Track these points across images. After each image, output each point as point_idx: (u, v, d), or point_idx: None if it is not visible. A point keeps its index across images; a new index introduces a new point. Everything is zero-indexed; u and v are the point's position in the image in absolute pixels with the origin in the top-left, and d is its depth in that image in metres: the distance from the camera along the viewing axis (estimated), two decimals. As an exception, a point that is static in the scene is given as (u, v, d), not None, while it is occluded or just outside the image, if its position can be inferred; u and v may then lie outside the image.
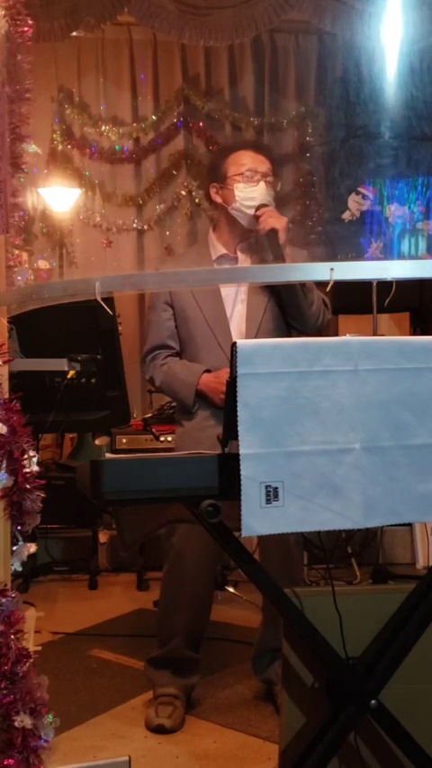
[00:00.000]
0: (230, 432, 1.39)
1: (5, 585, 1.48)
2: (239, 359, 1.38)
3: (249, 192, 2.62)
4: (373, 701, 1.56)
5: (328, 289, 1.37)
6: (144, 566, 4.08)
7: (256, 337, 2.57)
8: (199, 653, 2.65)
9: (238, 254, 2.71)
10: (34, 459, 1.50)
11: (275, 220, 2.57)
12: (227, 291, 2.67)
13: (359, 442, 1.40)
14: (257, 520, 1.36)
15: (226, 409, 1.45)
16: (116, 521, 2.03)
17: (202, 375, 2.61)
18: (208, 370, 2.62)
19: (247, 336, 2.61)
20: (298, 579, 2.76)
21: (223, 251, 2.71)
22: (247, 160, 2.67)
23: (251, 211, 2.62)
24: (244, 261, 2.71)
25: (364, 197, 4.65)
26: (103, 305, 1.40)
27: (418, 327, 4.75)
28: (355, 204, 4.62)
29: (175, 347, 2.74)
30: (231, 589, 3.79)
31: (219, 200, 2.71)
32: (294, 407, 1.39)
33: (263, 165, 2.67)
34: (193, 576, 2.58)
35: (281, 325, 2.70)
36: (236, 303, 2.68)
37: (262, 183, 2.63)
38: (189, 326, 2.69)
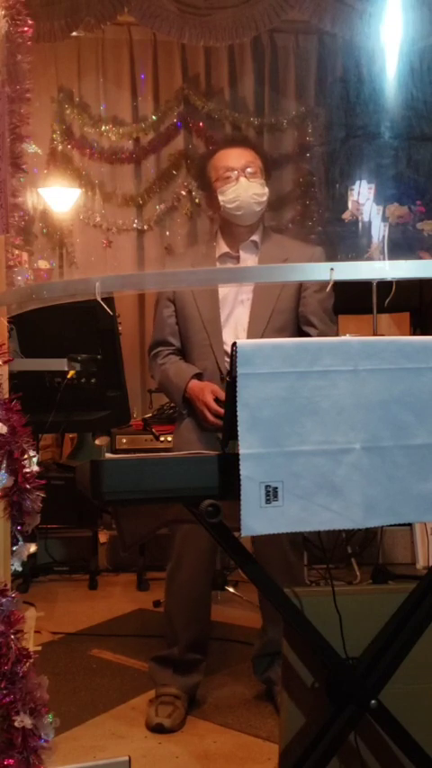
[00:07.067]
0: (230, 431, 1.39)
1: (5, 585, 1.48)
2: (239, 359, 1.37)
3: (230, 193, 2.57)
4: (373, 701, 1.56)
5: (328, 289, 1.37)
6: (144, 566, 4.09)
7: (263, 336, 2.52)
8: (205, 654, 2.65)
9: (240, 252, 2.67)
10: (34, 459, 1.50)
11: (201, 402, 2.52)
12: (225, 293, 2.62)
13: (359, 442, 1.40)
14: (257, 520, 1.35)
15: (226, 409, 1.45)
16: (116, 521, 2.03)
17: (190, 381, 2.58)
18: (200, 374, 2.60)
19: (253, 335, 2.55)
20: (297, 583, 2.74)
21: (226, 249, 2.68)
22: (221, 160, 2.62)
23: (239, 212, 2.57)
24: (246, 259, 2.66)
25: (364, 197, 4.64)
26: (103, 305, 1.40)
27: (418, 327, 4.73)
28: (356, 204, 4.61)
29: (176, 344, 2.72)
30: (231, 589, 3.79)
31: (210, 208, 2.72)
32: (294, 407, 1.38)
33: (239, 159, 2.60)
34: (192, 580, 2.59)
35: (291, 326, 2.62)
36: (235, 305, 2.62)
37: (242, 179, 2.57)
38: (187, 325, 2.67)
